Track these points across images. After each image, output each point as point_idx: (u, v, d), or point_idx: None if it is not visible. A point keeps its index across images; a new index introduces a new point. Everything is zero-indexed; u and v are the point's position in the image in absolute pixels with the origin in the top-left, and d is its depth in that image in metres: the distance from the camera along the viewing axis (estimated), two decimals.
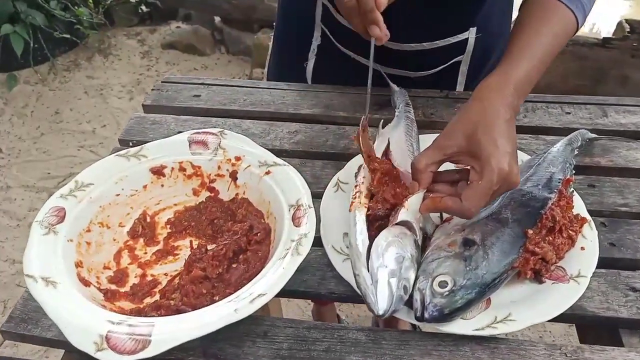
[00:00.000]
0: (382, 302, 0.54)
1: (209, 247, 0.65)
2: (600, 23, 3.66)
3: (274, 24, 1.10)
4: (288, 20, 1.04)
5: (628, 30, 2.40)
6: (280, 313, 1.42)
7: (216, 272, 0.60)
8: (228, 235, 0.64)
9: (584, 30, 3.64)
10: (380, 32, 0.65)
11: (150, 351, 0.48)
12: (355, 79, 0.98)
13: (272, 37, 1.12)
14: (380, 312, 0.54)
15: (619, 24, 2.46)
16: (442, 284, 0.56)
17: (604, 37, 2.47)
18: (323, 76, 1.02)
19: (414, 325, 0.60)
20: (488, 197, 0.59)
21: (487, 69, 0.97)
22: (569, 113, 0.92)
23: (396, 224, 0.60)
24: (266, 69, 1.18)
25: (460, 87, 0.98)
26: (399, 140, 0.76)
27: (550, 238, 0.63)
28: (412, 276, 0.57)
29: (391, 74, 0.96)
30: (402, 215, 0.61)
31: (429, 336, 0.59)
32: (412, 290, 0.57)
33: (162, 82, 1.00)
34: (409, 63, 0.95)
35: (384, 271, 0.55)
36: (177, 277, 0.62)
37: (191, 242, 0.68)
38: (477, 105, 0.64)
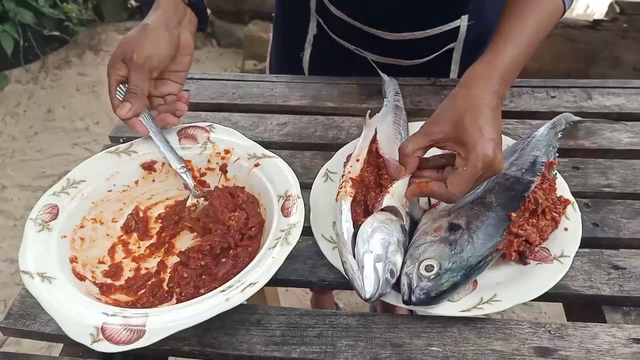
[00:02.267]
0: (368, 286, 0.55)
1: (195, 237, 0.67)
2: (594, 4, 3.66)
3: (273, 15, 1.11)
4: (286, 12, 1.05)
5: (618, 11, 2.40)
6: (277, 302, 1.44)
7: (198, 264, 0.62)
8: (220, 230, 0.66)
9: (577, 12, 3.64)
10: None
11: (145, 341, 0.50)
12: (350, 69, 0.99)
13: (270, 28, 1.13)
14: (367, 296, 0.55)
15: (610, 6, 2.47)
16: (428, 268, 0.58)
17: (594, 19, 2.48)
18: (319, 66, 1.03)
19: (410, 310, 0.61)
20: (472, 183, 0.60)
21: (480, 56, 0.98)
22: (554, 97, 0.93)
23: (382, 210, 0.62)
24: (268, 61, 1.19)
25: (453, 75, 0.99)
26: (387, 129, 0.77)
27: (534, 220, 0.65)
28: (399, 260, 0.59)
29: (384, 62, 0.97)
30: (387, 200, 0.62)
31: (417, 319, 0.61)
32: (400, 275, 0.59)
33: None
34: (402, 52, 0.96)
35: (370, 256, 0.57)
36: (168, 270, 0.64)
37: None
38: (464, 92, 0.65)
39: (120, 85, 0.70)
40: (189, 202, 0.70)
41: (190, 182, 0.70)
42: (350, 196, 0.64)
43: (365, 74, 0.96)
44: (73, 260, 0.61)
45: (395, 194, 0.64)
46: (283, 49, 1.09)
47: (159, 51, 0.69)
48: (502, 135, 0.78)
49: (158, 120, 0.72)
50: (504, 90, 0.67)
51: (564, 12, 0.74)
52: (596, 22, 2.44)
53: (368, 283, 0.55)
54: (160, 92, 0.73)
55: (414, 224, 0.67)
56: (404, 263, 0.60)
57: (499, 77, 0.66)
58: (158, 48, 0.69)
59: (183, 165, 0.70)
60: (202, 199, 0.71)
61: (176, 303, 0.58)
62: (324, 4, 0.94)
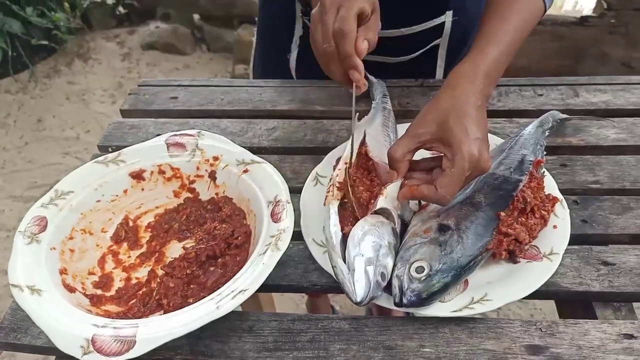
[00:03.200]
0: (359, 290, 0.55)
1: (185, 246, 0.67)
2: (583, 1, 3.69)
3: (257, 19, 1.11)
4: (269, 15, 1.05)
5: (605, 7, 2.42)
6: (272, 308, 1.43)
7: (184, 272, 0.62)
8: (205, 238, 0.66)
9: (566, 9, 3.66)
10: (361, 77, 0.66)
11: (136, 351, 0.49)
12: None
13: (255, 32, 1.13)
14: (358, 300, 0.55)
15: (598, 2, 2.49)
16: (419, 269, 0.58)
17: (581, 16, 2.49)
18: (306, 68, 1.03)
19: (407, 312, 0.61)
20: (461, 183, 0.60)
21: (466, 52, 0.98)
22: (542, 95, 0.94)
23: (374, 212, 0.62)
24: (251, 66, 1.19)
25: (440, 71, 1.00)
26: (376, 132, 0.77)
27: (523, 219, 0.65)
28: (390, 263, 0.59)
29: (370, 60, 0.97)
30: (380, 203, 0.62)
31: (409, 320, 0.61)
32: (391, 277, 0.59)
33: (138, 85, 1.01)
34: (388, 49, 0.96)
35: (361, 260, 0.57)
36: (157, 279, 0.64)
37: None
38: (448, 93, 0.65)
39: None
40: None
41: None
42: (338, 200, 0.64)
43: None
44: (63, 272, 0.61)
45: (389, 196, 0.64)
46: (269, 52, 1.09)
47: None
48: (490, 135, 0.79)
49: None
50: (488, 90, 0.67)
51: (545, 12, 0.75)
52: (584, 19, 2.45)
53: (359, 287, 0.55)
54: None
55: (405, 226, 0.67)
56: (395, 265, 0.60)
57: (483, 76, 0.66)
58: None
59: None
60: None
61: (164, 314, 0.57)
62: (309, 3, 0.94)
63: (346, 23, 0.64)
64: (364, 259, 0.57)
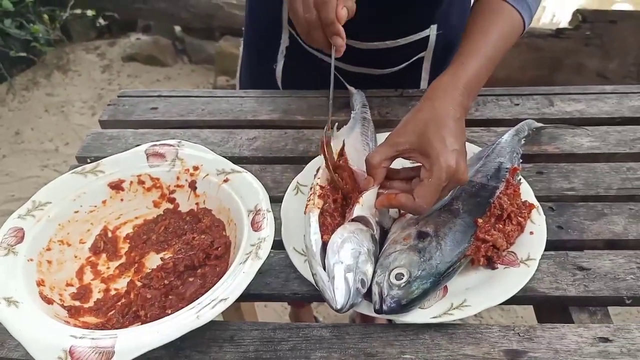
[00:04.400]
0: (339, 297, 0.55)
1: (164, 257, 0.66)
2: (559, 13, 3.78)
3: (243, 29, 1.11)
4: (256, 25, 1.06)
5: (581, 19, 2.48)
6: (255, 318, 1.43)
7: (161, 283, 0.62)
8: (184, 249, 0.65)
9: (543, 22, 3.75)
10: (343, 43, 0.68)
11: None
12: (324, 80, 1.00)
13: (240, 42, 1.13)
14: (338, 307, 0.55)
15: (574, 14, 2.55)
16: (399, 276, 0.58)
17: (557, 28, 2.55)
18: (292, 78, 1.04)
19: (389, 320, 0.62)
20: (438, 194, 0.61)
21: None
22: (518, 104, 0.96)
23: (352, 220, 0.63)
24: (238, 76, 1.19)
25: (424, 84, 1.01)
26: (355, 141, 0.78)
27: (500, 225, 0.66)
28: (370, 269, 0.59)
29: (356, 72, 0.98)
30: (357, 211, 0.63)
31: (390, 327, 0.61)
32: (371, 284, 0.59)
33: (118, 96, 1.00)
34: (373, 61, 0.97)
35: (340, 267, 0.57)
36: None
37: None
38: (428, 104, 0.67)
39: None
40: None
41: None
42: (318, 208, 0.64)
43: (339, 84, 0.97)
44: (40, 283, 0.60)
45: (365, 204, 0.64)
46: (255, 62, 1.10)
47: None
48: (468, 143, 0.81)
49: None
50: (467, 102, 0.69)
51: (524, 28, 0.77)
52: (559, 31, 2.51)
53: (339, 294, 0.56)
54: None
55: (384, 233, 0.68)
56: (375, 272, 0.60)
57: (463, 89, 0.68)
58: None
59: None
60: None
61: (141, 324, 0.57)
62: None
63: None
64: (343, 266, 0.57)
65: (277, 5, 0.97)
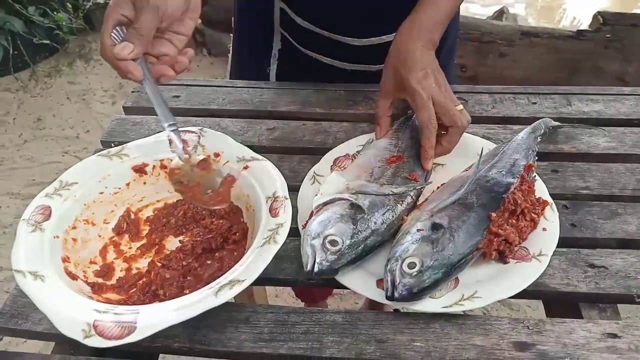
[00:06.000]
0: (305, 259, 0.62)
1: (182, 240, 0.68)
2: (580, 16, 3.74)
3: (231, 35, 1.12)
4: (246, 29, 1.07)
5: (601, 22, 2.46)
6: None
7: (180, 264, 0.64)
8: (202, 233, 0.67)
9: (564, 24, 3.71)
10: (136, 75, 0.64)
11: (136, 336, 0.51)
12: (318, 79, 1.01)
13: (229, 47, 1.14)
14: (308, 269, 0.62)
15: (594, 16, 2.53)
16: (411, 265, 0.60)
17: (577, 30, 2.53)
18: (286, 79, 1.05)
19: (396, 309, 0.64)
20: (431, 109, 0.73)
21: (444, 50, 1.01)
22: (535, 103, 0.96)
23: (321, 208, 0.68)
24: (228, 73, 1.20)
25: None
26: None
27: (514, 221, 0.67)
28: (343, 228, 0.64)
29: (354, 70, 1.00)
30: (317, 200, 0.68)
31: (401, 315, 0.62)
32: (384, 273, 0.61)
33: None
34: (371, 57, 0.98)
35: (308, 239, 0.64)
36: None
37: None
38: (393, 50, 0.79)
39: (117, 28, 0.65)
40: (173, 164, 0.67)
41: (179, 143, 0.67)
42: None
43: (334, 82, 1.00)
44: (65, 260, 0.63)
45: (324, 191, 0.69)
46: (247, 66, 1.11)
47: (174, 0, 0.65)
48: (484, 140, 0.82)
49: (154, 71, 0.67)
50: (429, 37, 0.78)
51: None
52: (579, 33, 2.49)
53: (305, 257, 0.63)
54: (158, 51, 0.67)
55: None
56: (388, 260, 0.62)
57: (422, 27, 0.77)
58: None
59: (173, 122, 0.67)
60: (190, 165, 0.68)
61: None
62: (289, 17, 0.96)
63: (102, 37, 0.64)
64: (310, 236, 0.63)
65: (268, 11, 0.98)
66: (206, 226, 0.70)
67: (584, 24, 3.18)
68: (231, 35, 1.14)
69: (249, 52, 1.09)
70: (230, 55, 1.16)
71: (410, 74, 0.74)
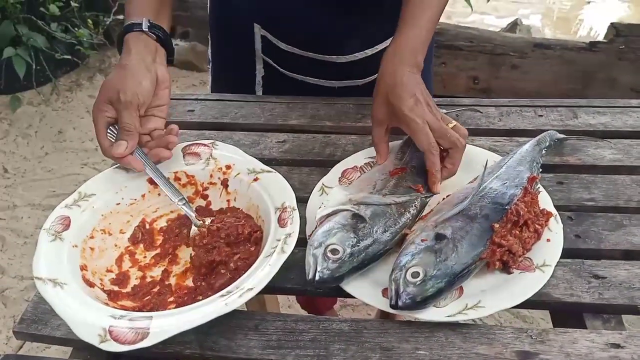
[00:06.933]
0: (307, 268, 0.64)
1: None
2: (596, 27, 3.72)
3: (209, 66, 1.14)
4: (228, 60, 1.09)
5: (615, 33, 2.46)
6: None
7: (199, 281, 0.67)
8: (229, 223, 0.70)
9: (579, 35, 3.70)
10: (129, 161, 0.74)
11: (149, 341, 0.53)
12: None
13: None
14: (309, 277, 0.63)
15: (609, 28, 2.53)
16: (414, 274, 0.61)
17: (590, 41, 2.53)
18: None
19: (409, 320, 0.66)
20: (428, 134, 0.73)
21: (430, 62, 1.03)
22: (542, 116, 0.97)
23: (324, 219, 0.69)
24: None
25: None
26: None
27: (517, 231, 0.68)
28: (344, 238, 0.65)
29: (339, 86, 1.02)
30: (320, 212, 0.70)
31: (406, 324, 0.64)
32: (389, 282, 0.63)
33: None
34: (356, 72, 1.01)
35: (311, 248, 0.65)
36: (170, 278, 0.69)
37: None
38: (381, 77, 0.78)
39: (110, 127, 0.75)
40: (192, 232, 0.72)
41: (191, 213, 0.72)
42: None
43: (334, 95, 1.02)
44: (83, 268, 0.66)
45: (327, 203, 0.71)
46: (230, 91, 1.11)
47: (142, 88, 0.74)
48: (490, 152, 0.84)
49: (151, 155, 0.75)
50: (414, 60, 0.77)
51: None
52: (593, 44, 2.49)
53: (307, 267, 0.64)
54: (147, 128, 0.77)
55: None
56: (393, 270, 0.63)
57: (406, 50, 0.77)
58: (141, 85, 0.74)
59: (181, 197, 0.73)
60: (206, 221, 0.72)
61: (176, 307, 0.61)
62: (271, 42, 0.99)
63: (99, 139, 0.75)
64: (313, 247, 0.65)
65: (248, 39, 1.00)
66: (226, 264, 0.71)
67: (600, 35, 3.17)
68: (209, 66, 1.16)
69: (231, 80, 1.11)
70: (210, 84, 1.17)
71: (401, 103, 0.73)
